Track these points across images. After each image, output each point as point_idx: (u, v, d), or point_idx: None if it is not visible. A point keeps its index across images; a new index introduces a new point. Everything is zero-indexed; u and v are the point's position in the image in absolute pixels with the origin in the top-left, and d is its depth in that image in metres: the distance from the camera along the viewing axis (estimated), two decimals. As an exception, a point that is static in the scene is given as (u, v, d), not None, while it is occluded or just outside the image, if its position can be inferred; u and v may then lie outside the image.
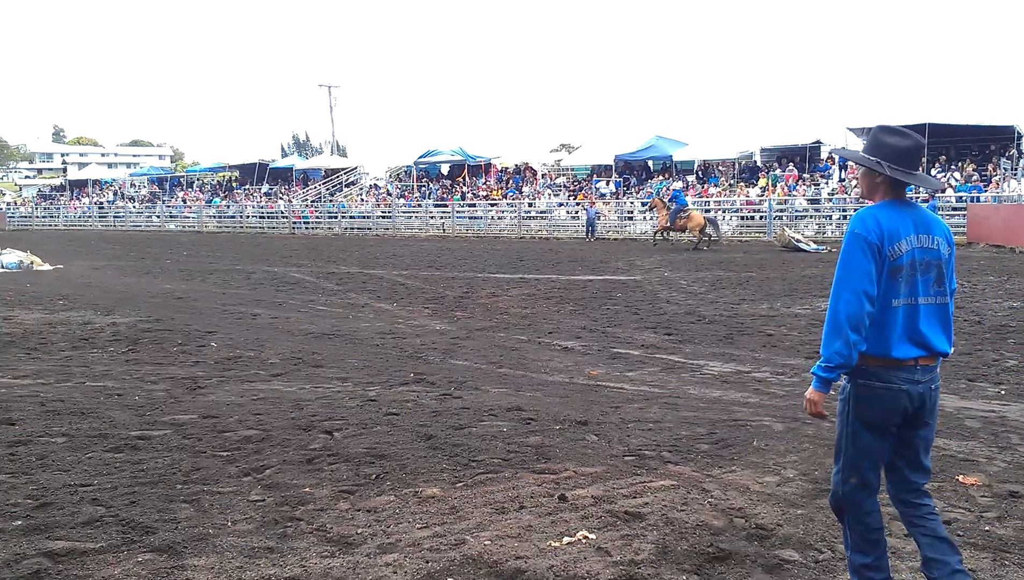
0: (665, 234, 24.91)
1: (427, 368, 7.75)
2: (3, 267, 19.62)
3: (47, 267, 19.52)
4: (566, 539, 3.56)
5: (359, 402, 6.27)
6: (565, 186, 35.78)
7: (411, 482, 4.35)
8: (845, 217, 26.51)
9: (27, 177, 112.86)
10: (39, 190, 67.52)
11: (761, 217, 28.05)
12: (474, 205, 35.77)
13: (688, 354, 8.46)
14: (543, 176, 38.10)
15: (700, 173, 32.59)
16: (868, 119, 27.32)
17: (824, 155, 29.91)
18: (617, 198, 32.44)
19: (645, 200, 30.07)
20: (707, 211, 26.92)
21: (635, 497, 4.11)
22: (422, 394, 6.59)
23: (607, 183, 33.78)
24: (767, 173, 30.29)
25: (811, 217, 27.25)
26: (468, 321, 10.88)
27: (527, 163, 39.34)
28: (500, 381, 7.22)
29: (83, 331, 9.62)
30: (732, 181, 30.93)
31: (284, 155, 72.68)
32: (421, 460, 4.73)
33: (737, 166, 31.80)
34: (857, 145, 28.93)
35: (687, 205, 24.45)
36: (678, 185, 29.44)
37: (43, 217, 52.19)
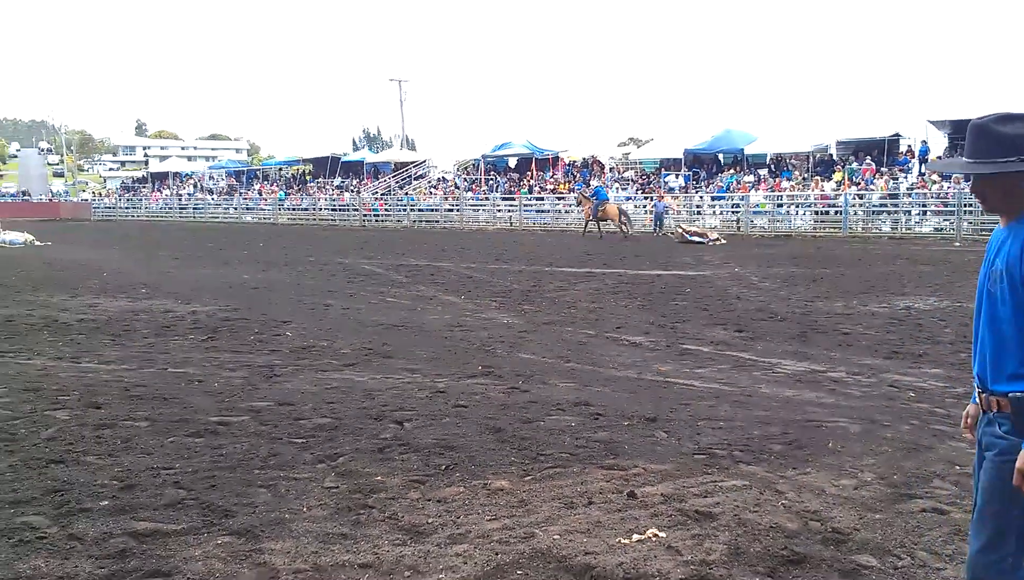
0: (597, 226, 27.16)
1: (495, 361, 7.80)
2: (9, 244, 25.56)
3: (47, 244, 25.36)
4: (635, 536, 3.54)
5: (428, 393, 6.35)
6: (633, 180, 35.48)
7: (480, 474, 4.39)
8: (925, 213, 25.63)
9: (111, 169, 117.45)
10: (122, 182, 70.18)
11: (836, 212, 27.30)
12: (541, 198, 35.76)
13: (760, 352, 8.31)
14: (611, 170, 37.85)
15: (772, 166, 31.89)
16: (950, 111, 26.28)
17: (903, 148, 28.94)
18: (686, 192, 32.00)
19: (717, 193, 29.61)
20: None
21: (706, 496, 4.06)
22: (490, 387, 6.63)
23: (676, 177, 33.35)
24: (843, 166, 29.45)
25: (889, 212, 26.41)
26: (535, 315, 10.89)
27: (595, 156, 39.12)
28: (567, 375, 7.21)
29: (164, 319, 9.98)
30: (806, 175, 30.18)
31: (355, 149, 73.90)
32: (490, 452, 4.77)
33: (811, 159, 31.01)
34: (938, 140, 27.88)
35: (607, 199, 27.65)
36: (596, 182, 32.65)
37: (126, 208, 54.26)
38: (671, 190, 32.25)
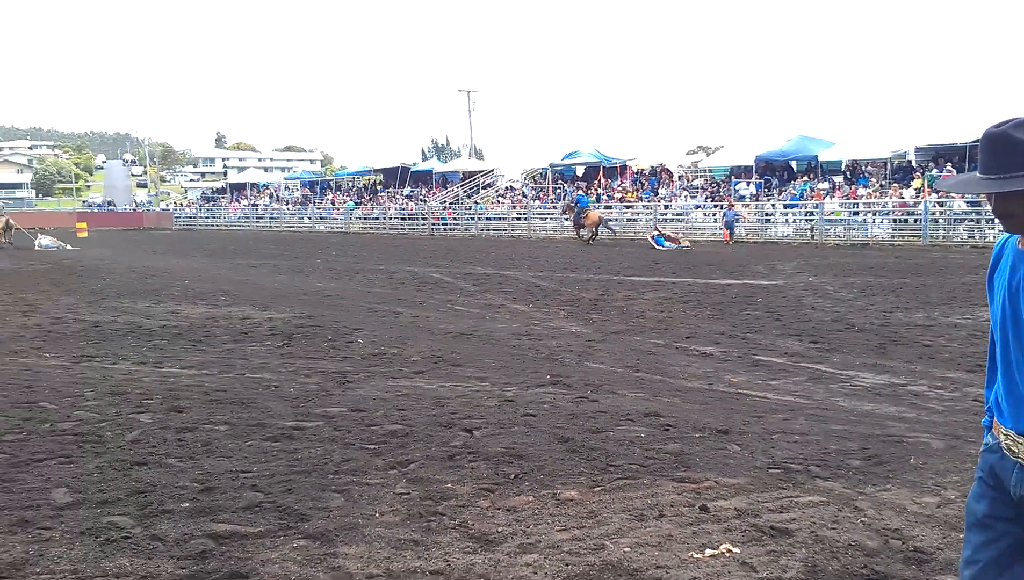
0: (577, 232, 29.97)
1: (563, 370, 7.79)
2: (44, 247, 29.00)
3: (76, 248, 29.39)
4: (708, 551, 3.48)
5: (497, 402, 6.38)
6: (703, 188, 35.01)
7: (549, 483, 4.38)
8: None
9: (192, 180, 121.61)
10: (202, 192, 72.64)
11: (916, 220, 26.42)
12: (610, 207, 35.59)
13: (836, 364, 8.09)
14: (679, 178, 37.43)
15: (848, 173, 31.07)
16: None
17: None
18: (757, 200, 31.42)
19: (790, 201, 28.99)
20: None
21: (781, 512, 3.97)
22: (558, 396, 6.62)
23: (747, 184, 32.78)
24: (923, 173, 28.49)
25: (972, 220, 25.43)
26: (604, 324, 10.84)
27: (663, 164, 38.77)
28: (637, 385, 7.15)
29: (242, 326, 10.28)
30: (884, 182, 29.29)
31: (424, 158, 74.86)
32: (559, 462, 4.75)
33: (889, 166, 30.09)
34: None
35: (587, 206, 30.66)
36: (580, 192, 35.46)
37: (206, 218, 56.12)
38: (742, 198, 31.72)
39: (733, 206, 29.57)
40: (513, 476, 4.49)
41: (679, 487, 4.33)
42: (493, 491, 4.25)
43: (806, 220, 29.18)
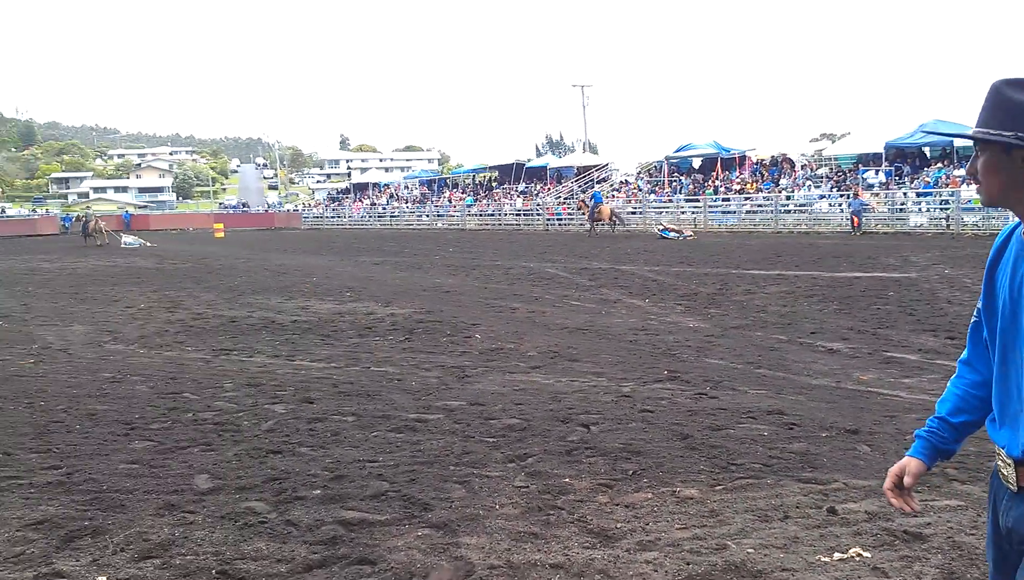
0: (594, 228, 31.79)
1: (681, 366, 7.67)
2: (128, 244, 34.06)
3: (155, 244, 33.87)
4: (837, 555, 3.36)
5: (614, 397, 6.36)
6: (828, 177, 33.58)
7: (668, 481, 4.34)
8: None
9: (318, 181, 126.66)
10: (328, 193, 75.58)
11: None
12: (728, 199, 34.70)
13: (976, 361, 7.61)
14: (802, 167, 36.03)
15: (989, 158, 29.03)
16: None
17: None
18: (887, 189, 29.87)
19: (923, 189, 27.47)
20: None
21: (916, 516, 3.78)
22: (676, 392, 6.53)
23: (876, 172, 31.21)
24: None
25: None
26: (723, 319, 10.60)
27: (784, 154, 37.41)
28: (758, 382, 6.97)
29: (367, 321, 10.66)
30: (1029, 166, 27.21)
31: (539, 154, 75.18)
32: (678, 459, 4.70)
33: (1035, 149, 27.92)
34: None
35: (601, 202, 33.06)
36: (597, 188, 38.67)
37: (331, 217, 58.32)
38: (870, 187, 30.21)
39: (860, 195, 28.22)
40: (631, 472, 4.47)
41: (805, 488, 4.20)
42: (611, 487, 4.25)
43: (941, 209, 27.50)
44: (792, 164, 36.17)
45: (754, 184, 35.26)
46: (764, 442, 5.02)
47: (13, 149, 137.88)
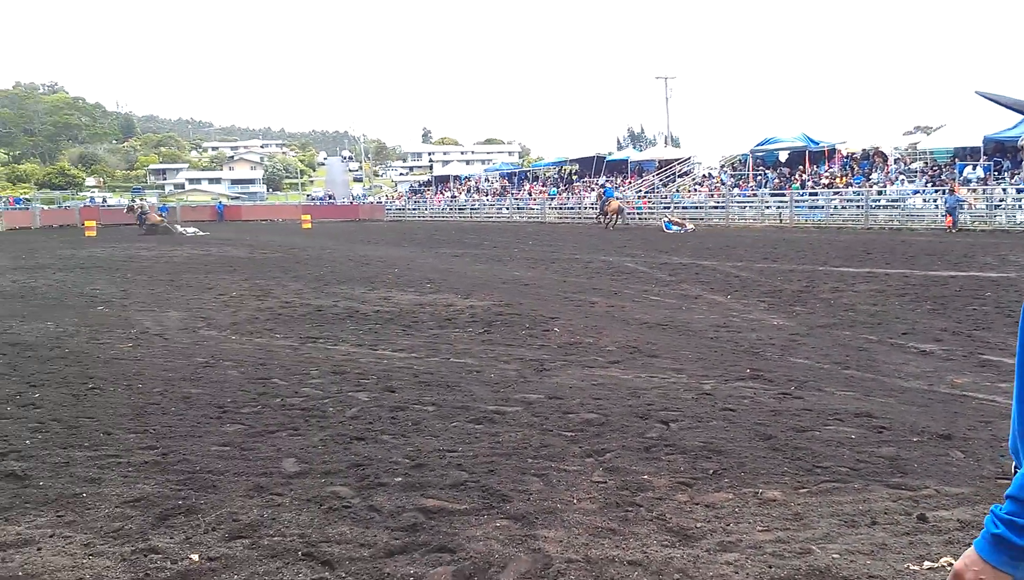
0: (601, 220, 35.26)
1: (764, 364, 7.51)
2: (185, 232, 36.77)
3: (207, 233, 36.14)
4: (927, 564, 3.25)
5: (694, 395, 6.27)
6: (922, 171, 32.23)
7: (750, 482, 4.26)
8: None
9: (401, 174, 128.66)
10: (410, 186, 76.72)
11: None
12: (815, 193, 33.69)
13: (1083, 367, 7.20)
14: (895, 161, 34.67)
15: (1101, 151, 27.39)
16: None
17: None
18: (986, 184, 28.48)
19: (1022, 184, 26.04)
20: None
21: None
22: (759, 391, 6.40)
23: (974, 167, 29.79)
24: None
25: None
26: (809, 317, 10.31)
27: (876, 147, 36.04)
28: (846, 383, 6.76)
29: (447, 312, 10.79)
30: None
31: (619, 148, 74.55)
32: (760, 460, 4.61)
33: None
34: None
35: (611, 197, 35.87)
36: (608, 185, 40.81)
37: (413, 209, 59.17)
38: (967, 182, 28.86)
39: (956, 191, 27.00)
40: (712, 472, 4.41)
41: (894, 494, 4.06)
42: (691, 485, 4.20)
43: (1046, 205, 26.10)
44: (884, 158, 34.84)
45: (844, 178, 34.13)
46: (851, 445, 4.87)
47: (114, 141, 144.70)
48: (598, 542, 3.50)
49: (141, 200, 52.34)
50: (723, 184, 39.56)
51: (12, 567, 3.27)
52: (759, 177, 38.02)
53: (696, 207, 37.87)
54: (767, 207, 34.76)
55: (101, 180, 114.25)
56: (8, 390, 6.51)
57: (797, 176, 36.12)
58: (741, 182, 38.92)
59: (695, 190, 40.87)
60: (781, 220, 32.88)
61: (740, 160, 41.53)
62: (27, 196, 75.62)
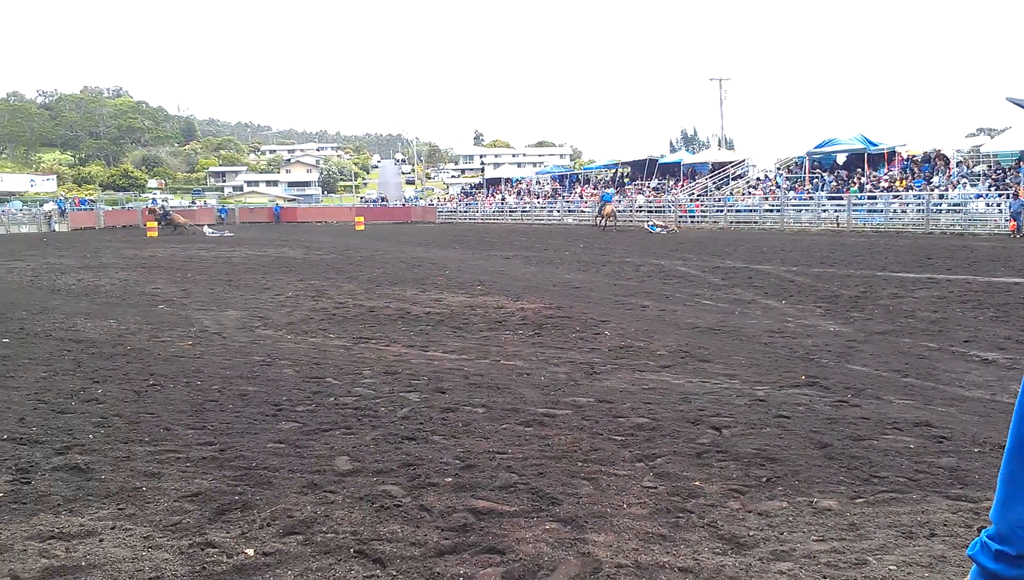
0: (599, 221, 37.64)
1: (820, 371, 7.37)
2: (211, 233, 37.02)
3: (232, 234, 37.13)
4: (989, 579, 3.15)
5: (747, 401, 6.19)
6: (985, 175, 31.25)
7: (805, 490, 4.19)
8: None
9: (452, 176, 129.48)
10: (462, 188, 77.17)
11: None
12: (874, 197, 32.93)
13: None
14: (957, 164, 33.68)
15: None
16: None
17: None
18: (1056, 187, 27.47)
19: None
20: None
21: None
22: (815, 398, 6.28)
23: (1043, 170, 28.77)
24: None
25: None
26: (866, 323, 10.09)
27: (938, 150, 35.08)
28: (905, 391, 6.60)
29: (497, 314, 10.83)
30: None
31: (672, 150, 73.88)
32: (815, 469, 4.52)
33: None
34: None
35: (608, 201, 38.33)
36: (607, 190, 43.75)
37: (465, 212, 59.47)
38: (1035, 185, 27.89)
39: (1021, 195, 26.12)
40: (765, 479, 4.35)
41: (954, 505, 3.95)
42: (744, 493, 4.15)
43: (1121, 209, 25.08)
44: (946, 161, 33.89)
45: (904, 181, 33.30)
46: (910, 455, 4.76)
47: (176, 144, 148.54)
48: (648, 548, 3.48)
49: (163, 201, 53.78)
50: (778, 187, 38.93)
51: (76, 557, 3.38)
52: (815, 180, 37.31)
53: (750, 210, 37.33)
54: (823, 210, 34.09)
55: (163, 182, 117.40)
56: (73, 386, 6.73)
57: (855, 179, 35.35)
58: (797, 185, 38.25)
59: (749, 193, 40.28)
60: (838, 224, 32.21)
61: (796, 162, 40.82)
62: (92, 197, 78.19)
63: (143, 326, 10.13)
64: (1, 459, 4.69)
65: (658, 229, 34.54)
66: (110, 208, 60.94)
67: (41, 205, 58.21)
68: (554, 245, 27.17)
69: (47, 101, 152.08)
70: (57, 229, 46.14)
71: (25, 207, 62.70)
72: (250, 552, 3.43)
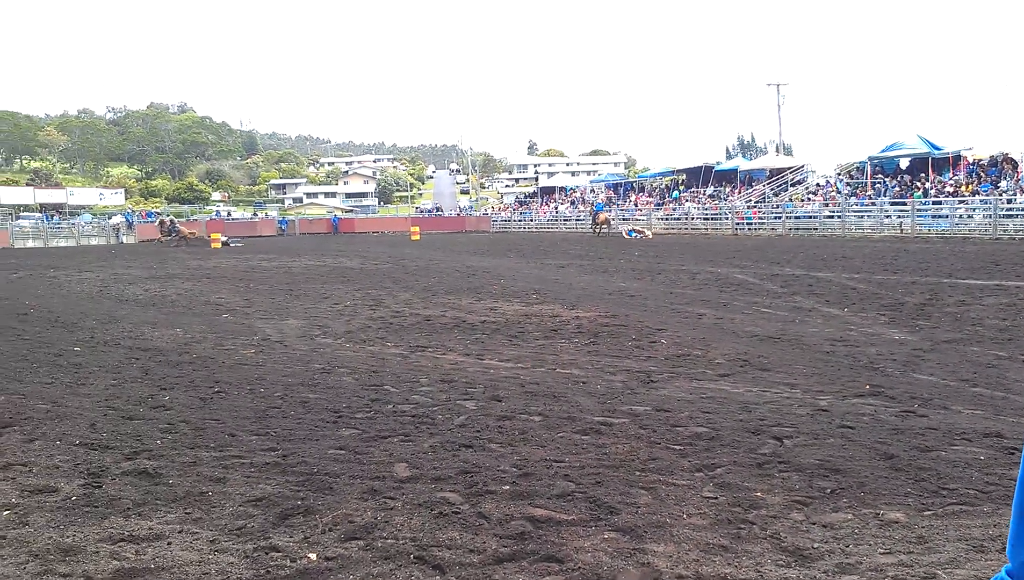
0: (595, 229, 42.50)
1: (884, 380, 7.19)
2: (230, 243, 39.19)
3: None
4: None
5: (809, 411, 6.07)
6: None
7: (871, 502, 4.09)
8: None
9: (507, 185, 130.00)
10: (516, 197, 77.40)
11: None
12: (939, 202, 32.01)
13: None
14: (1029, 167, 32.54)
15: None
16: None
17: None
18: None
19: None
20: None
21: None
22: (879, 409, 6.13)
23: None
24: None
25: None
26: (932, 331, 9.80)
27: (1006, 153, 33.94)
28: (973, 401, 6.39)
29: (552, 323, 10.83)
30: None
31: (729, 157, 72.96)
32: (881, 480, 4.41)
33: None
34: None
35: (601, 210, 44.59)
36: (600, 198, 51.04)
37: (519, 221, 59.70)
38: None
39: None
40: (829, 491, 4.26)
41: (1029, 520, 3.81)
42: (807, 504, 4.07)
43: None
44: (1015, 164, 32.77)
45: (970, 186, 32.30)
46: (980, 467, 4.61)
47: (238, 158, 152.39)
48: (709, 559, 3.44)
49: (169, 215, 55.57)
50: (838, 193, 38.13)
51: (145, 559, 3.49)
52: (877, 185, 36.45)
53: (809, 217, 36.64)
54: (886, 216, 33.30)
55: (226, 194, 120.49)
56: (141, 393, 6.95)
57: (919, 184, 34.43)
58: (858, 191, 37.42)
59: (808, 199, 39.55)
60: (902, 230, 31.41)
61: (857, 168, 39.95)
62: (158, 210, 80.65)
63: (208, 334, 10.40)
64: (74, 464, 4.86)
65: (635, 235, 38.84)
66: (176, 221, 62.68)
67: (109, 218, 60.30)
68: (608, 253, 27.05)
69: (116, 117, 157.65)
70: (124, 241, 47.90)
71: (94, 220, 65.00)
72: (312, 557, 3.49)
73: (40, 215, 73.35)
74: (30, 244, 48.52)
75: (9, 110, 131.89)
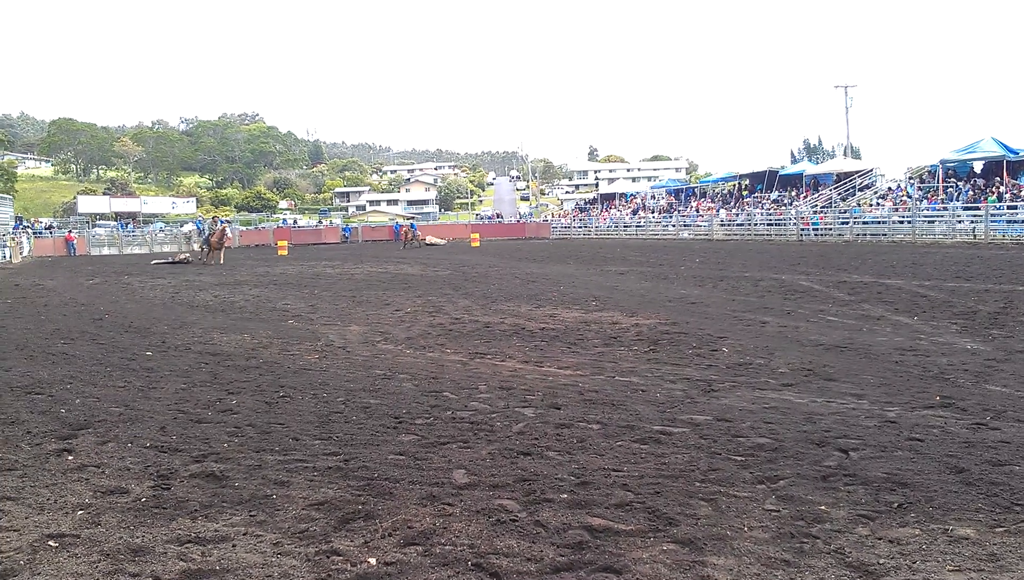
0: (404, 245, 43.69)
1: (955, 391, 6.95)
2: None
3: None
4: None
5: (876, 422, 5.91)
6: None
7: (939, 517, 3.96)
8: None
9: (567, 192, 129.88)
10: (576, 204, 77.26)
11: None
12: (1015, 207, 30.82)
13: None
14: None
15: None
16: None
17: None
18: None
19: None
20: None
21: None
22: (950, 420, 5.93)
23: None
24: None
25: None
26: (1007, 341, 9.44)
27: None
28: (1053, 415, 6.13)
29: (612, 330, 10.77)
30: None
31: (794, 161, 71.56)
32: (951, 495, 4.27)
33: None
34: None
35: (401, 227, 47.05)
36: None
37: (579, 228, 59.52)
38: None
39: None
40: (896, 505, 4.14)
41: (1111, 540, 3.64)
42: (873, 519, 3.96)
43: None
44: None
45: (1049, 189, 31.03)
46: (1059, 484, 4.42)
47: (304, 166, 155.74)
48: (771, 573, 3.38)
49: (212, 217, 56.87)
50: (909, 197, 37.04)
51: (211, 561, 3.59)
52: (950, 189, 35.28)
53: (878, 222, 35.67)
54: (959, 221, 32.20)
55: (292, 203, 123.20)
56: (209, 397, 7.15)
57: (993, 188, 33.21)
58: (930, 195, 36.29)
59: (877, 204, 38.51)
60: (975, 236, 30.33)
61: (929, 171, 38.75)
62: (227, 218, 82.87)
63: (274, 340, 10.65)
64: (144, 466, 5.04)
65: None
66: (244, 228, 64.46)
67: (181, 226, 62.22)
68: (669, 260, 26.79)
69: (188, 127, 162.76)
70: (196, 248, 49.21)
71: (167, 228, 67.19)
72: (372, 561, 3.54)
73: (115, 223, 76.23)
74: (105, 251, 50.38)
75: (87, 122, 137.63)
